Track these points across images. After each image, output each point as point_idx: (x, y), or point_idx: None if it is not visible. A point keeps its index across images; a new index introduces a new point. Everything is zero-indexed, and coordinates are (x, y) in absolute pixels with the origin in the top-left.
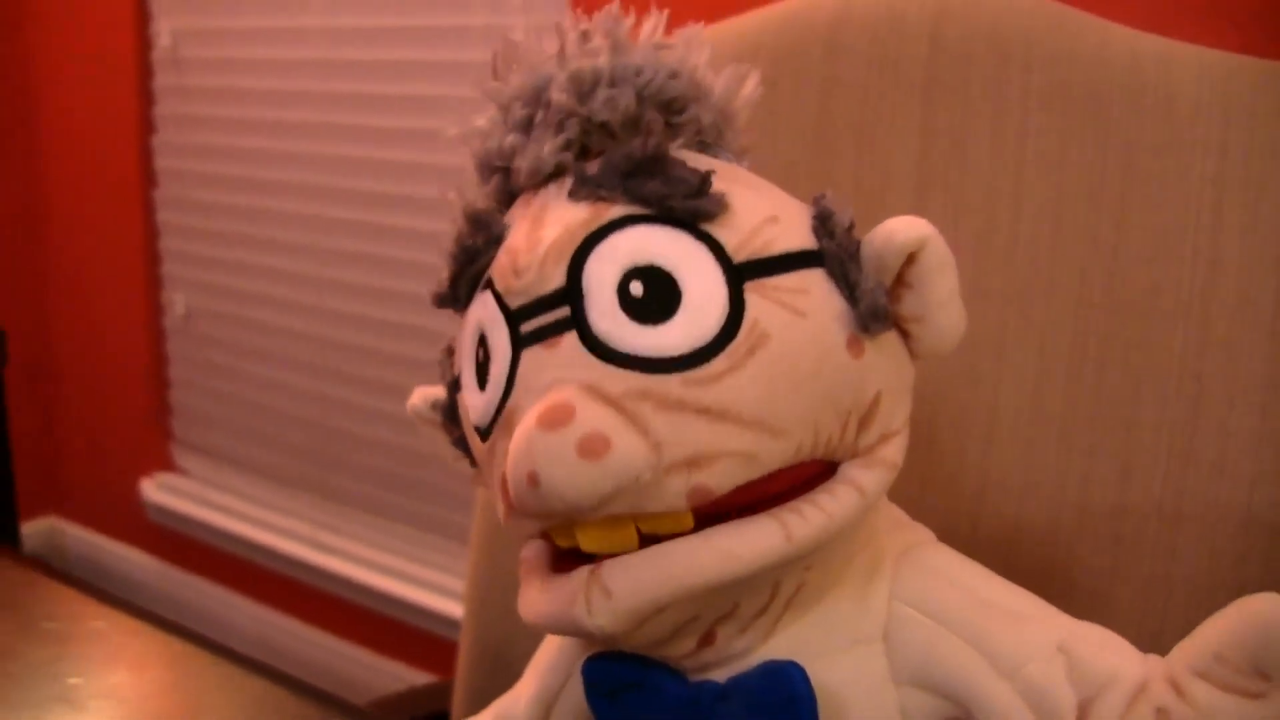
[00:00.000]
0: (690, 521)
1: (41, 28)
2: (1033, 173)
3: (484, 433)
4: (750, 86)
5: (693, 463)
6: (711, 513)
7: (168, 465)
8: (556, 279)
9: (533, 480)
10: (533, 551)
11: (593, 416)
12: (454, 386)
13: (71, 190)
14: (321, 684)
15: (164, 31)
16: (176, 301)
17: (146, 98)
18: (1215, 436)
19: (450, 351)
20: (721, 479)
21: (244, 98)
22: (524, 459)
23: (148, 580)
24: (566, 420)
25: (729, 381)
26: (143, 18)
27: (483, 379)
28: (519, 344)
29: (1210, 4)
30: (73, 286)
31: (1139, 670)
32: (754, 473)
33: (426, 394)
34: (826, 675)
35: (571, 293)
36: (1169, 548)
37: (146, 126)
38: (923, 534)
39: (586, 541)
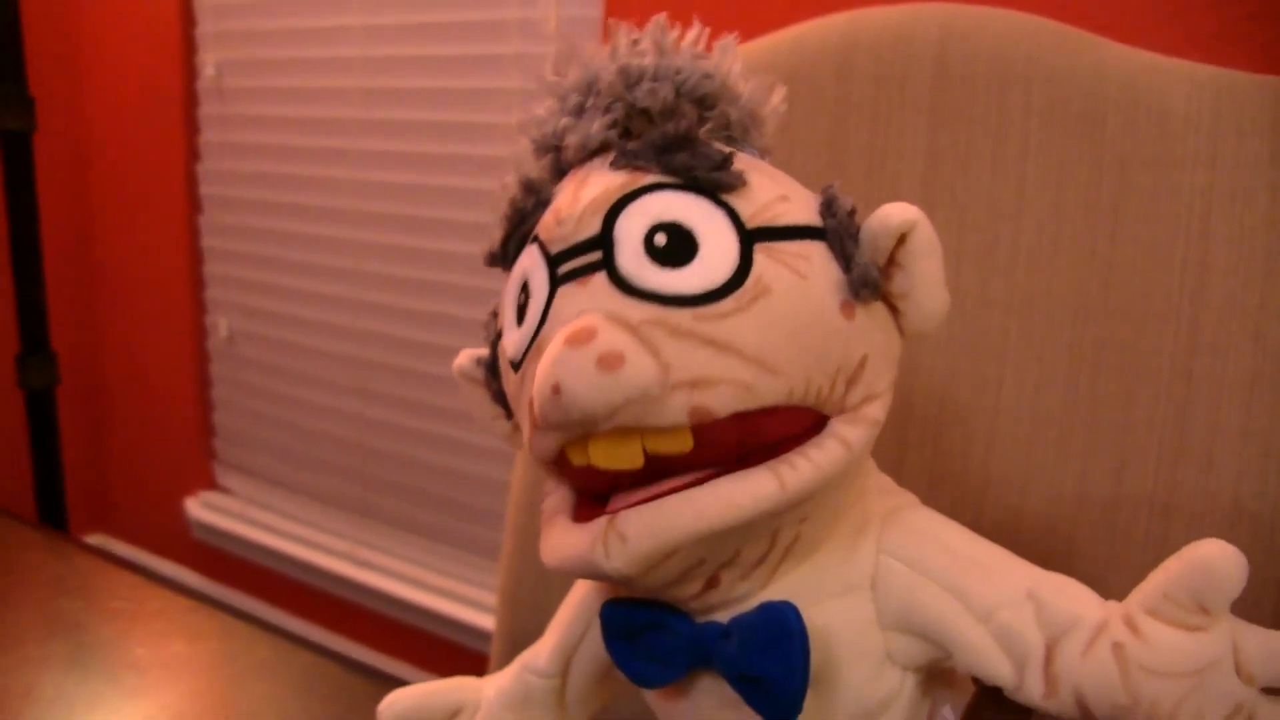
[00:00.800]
0: (690, 442)
1: (94, 61)
2: (1033, 187)
3: (517, 365)
4: (778, 97)
5: (695, 384)
6: (709, 438)
7: (211, 484)
8: (592, 228)
9: (556, 390)
10: (553, 503)
11: (611, 337)
12: (495, 344)
13: (121, 217)
14: None
15: (209, 63)
16: (220, 325)
17: (192, 126)
18: (1204, 433)
19: (494, 314)
20: (720, 402)
21: (285, 125)
22: (550, 371)
23: None
24: (589, 339)
25: (734, 320)
26: (189, 50)
27: (521, 317)
28: (555, 283)
29: (1201, 21)
30: (121, 310)
31: (1099, 613)
32: (750, 403)
33: (471, 354)
34: (819, 618)
35: (604, 240)
36: (1160, 537)
37: (192, 154)
38: (908, 498)
39: (597, 455)
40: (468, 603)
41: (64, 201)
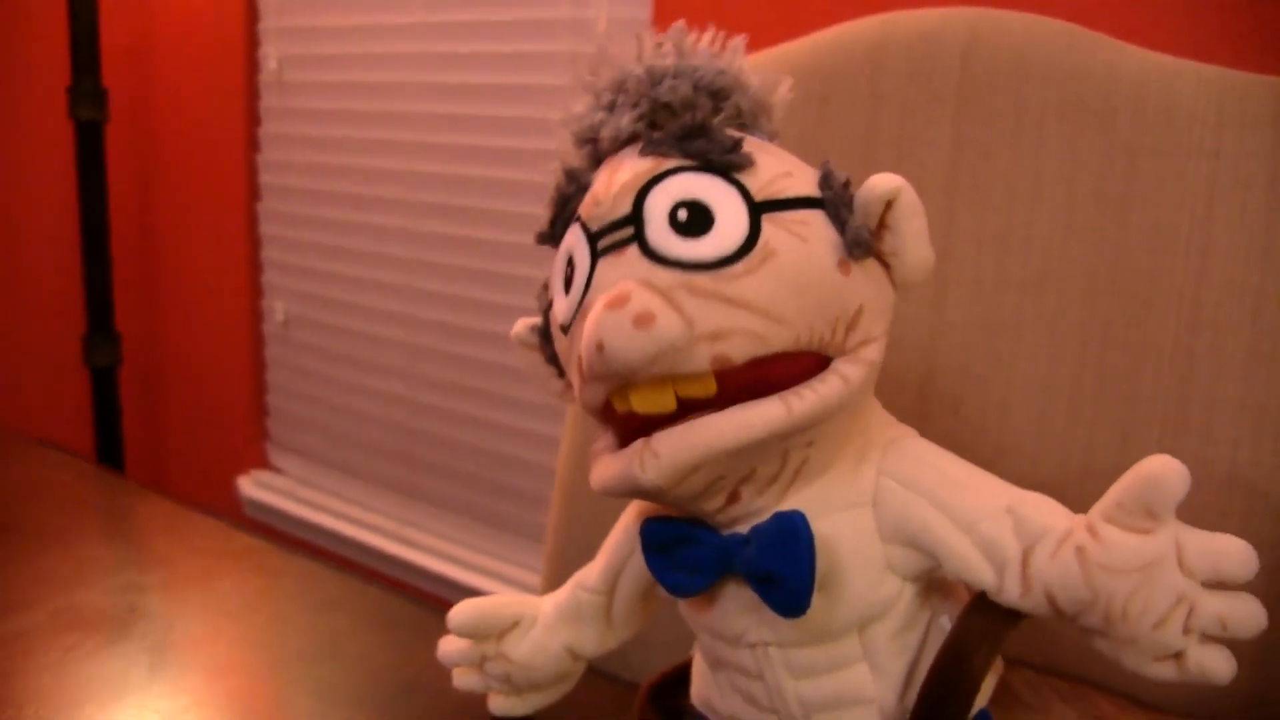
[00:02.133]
0: (714, 386)
1: (163, 55)
2: (1048, 176)
3: (566, 328)
4: (784, 89)
5: (715, 336)
6: (730, 382)
7: (263, 463)
8: (625, 207)
9: (600, 347)
10: (600, 446)
11: (644, 300)
12: (547, 312)
13: (183, 205)
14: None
15: (271, 57)
16: (276, 309)
17: (253, 118)
18: (1203, 405)
19: (545, 286)
20: (737, 350)
21: (342, 118)
22: (594, 332)
23: None
24: (625, 302)
25: (746, 280)
26: (252, 45)
27: (568, 287)
28: (595, 256)
29: (1208, 24)
30: (182, 294)
31: (1067, 523)
32: (762, 349)
33: (526, 322)
34: (826, 529)
35: (635, 217)
36: None
37: (252, 145)
38: (908, 430)
39: (637, 401)
40: (510, 582)
41: (130, 189)
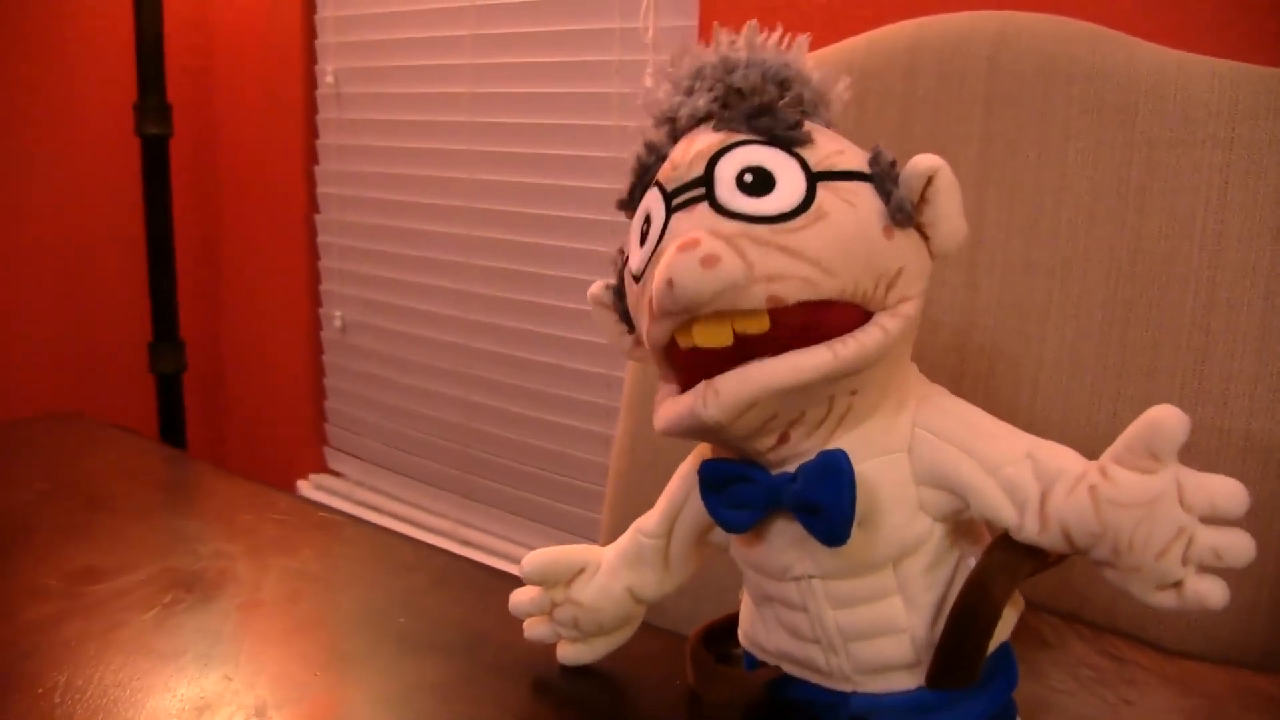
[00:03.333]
0: (768, 323)
1: (224, 71)
2: (1073, 169)
3: (639, 277)
4: (843, 85)
5: (772, 278)
6: (783, 321)
7: (322, 467)
8: (699, 170)
9: (670, 283)
10: (662, 394)
11: (711, 244)
12: (620, 275)
13: (245, 216)
14: None
15: (328, 72)
16: (334, 317)
17: (311, 131)
18: (1220, 379)
19: (620, 250)
20: (790, 291)
21: (397, 130)
22: (665, 270)
23: None
24: (694, 246)
25: (801, 234)
26: (310, 60)
27: (643, 240)
28: (670, 213)
29: (1222, 21)
30: (244, 302)
31: (1081, 466)
32: (812, 294)
33: (602, 283)
34: (867, 472)
35: (707, 179)
36: None
37: (311, 157)
38: (939, 388)
39: (699, 335)
40: None
41: (194, 201)
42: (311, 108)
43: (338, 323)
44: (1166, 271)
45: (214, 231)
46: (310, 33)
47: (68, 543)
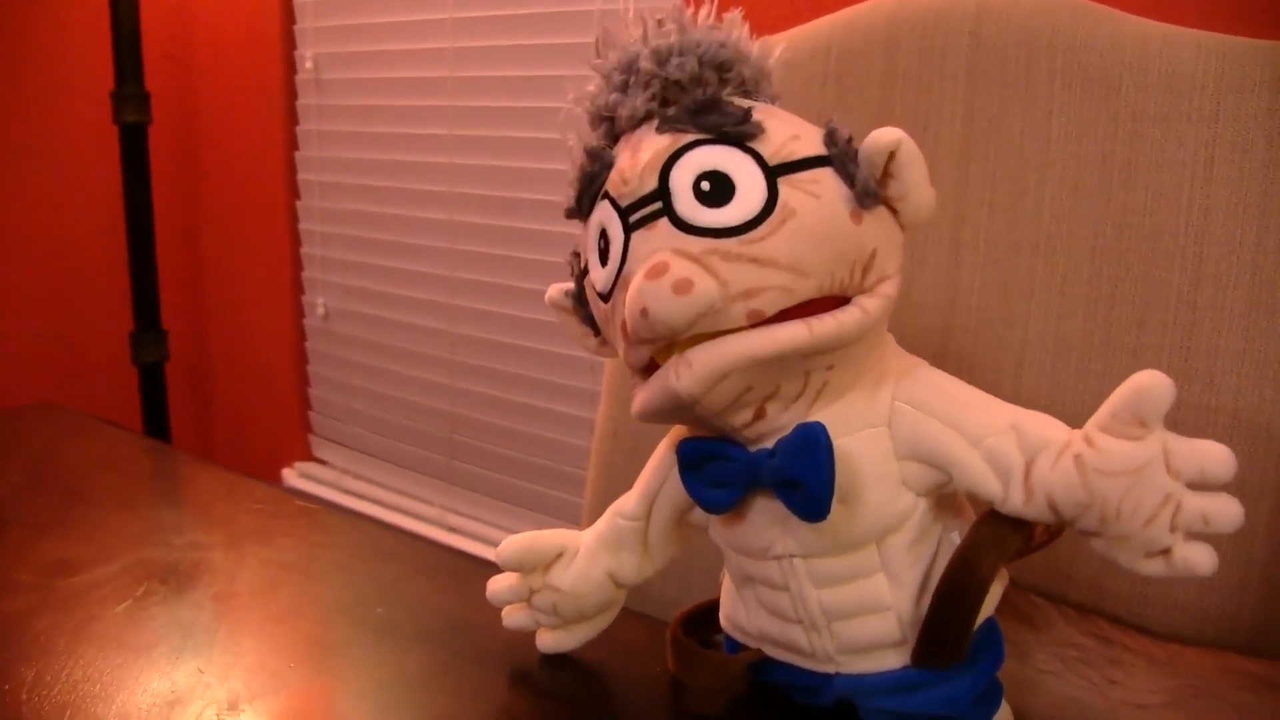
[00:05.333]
0: None
1: (203, 58)
2: (1057, 144)
3: (606, 297)
4: (779, 51)
5: (748, 294)
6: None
7: (307, 455)
8: (652, 183)
9: (644, 313)
10: (635, 381)
11: (681, 268)
12: (579, 278)
13: (226, 204)
14: None
15: (307, 57)
16: (317, 304)
17: (291, 117)
18: (1206, 356)
19: (575, 253)
20: (768, 304)
21: (378, 115)
22: (637, 299)
23: None
24: (664, 271)
25: (770, 241)
26: (289, 45)
27: (604, 259)
28: (629, 230)
29: None
30: (226, 291)
31: (1065, 435)
32: (790, 301)
33: (560, 287)
34: (846, 447)
35: (662, 192)
36: None
37: (291, 143)
38: (919, 360)
39: None
40: None
41: (174, 189)
42: (291, 94)
43: (321, 310)
44: (1152, 247)
45: (195, 219)
46: (289, 18)
47: (42, 536)
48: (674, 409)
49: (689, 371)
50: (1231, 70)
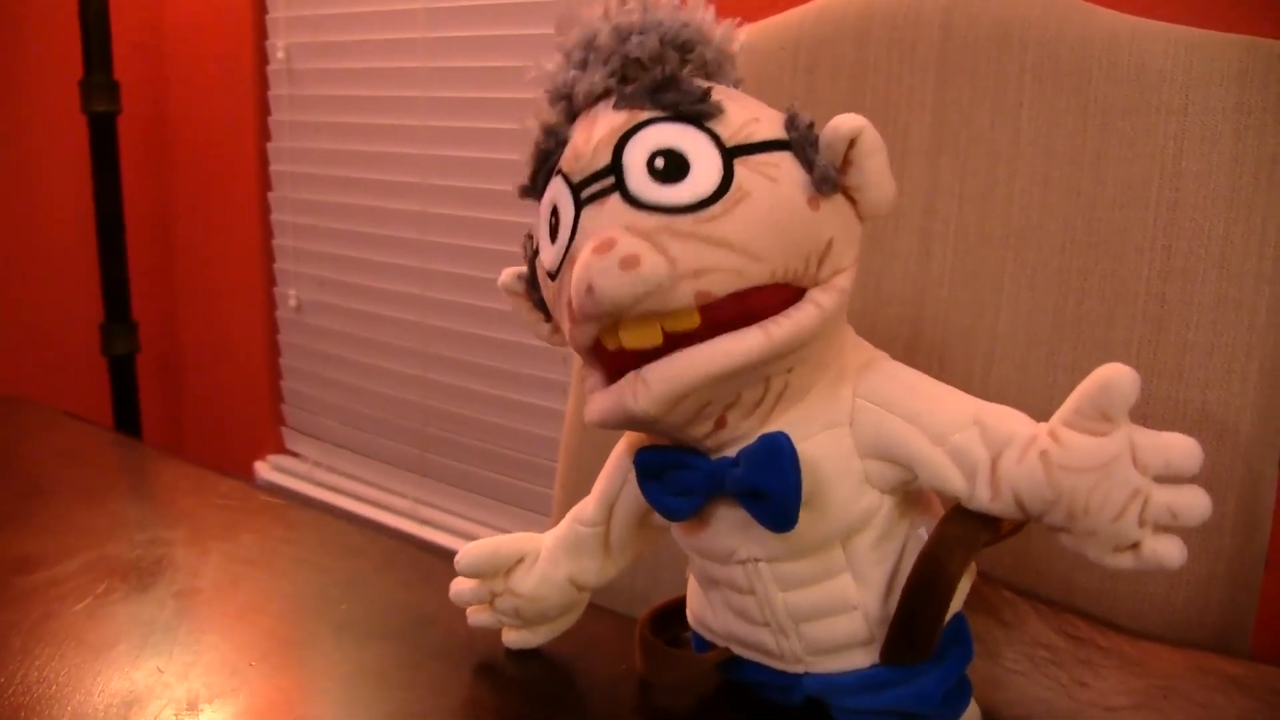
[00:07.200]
0: (698, 320)
1: (174, 47)
2: (1027, 137)
3: (554, 274)
4: (743, 35)
5: (698, 273)
6: (713, 315)
7: (280, 448)
8: (605, 159)
9: (589, 289)
10: (592, 384)
11: (629, 243)
12: (532, 262)
13: (197, 194)
14: None
15: (279, 47)
16: (289, 295)
17: (263, 107)
18: (1175, 350)
19: (530, 236)
20: (718, 285)
21: (350, 105)
22: (583, 275)
23: None
24: (611, 246)
25: (723, 221)
26: (261, 35)
27: (554, 235)
28: (579, 206)
29: None
30: (197, 282)
31: (1030, 430)
32: (741, 284)
33: (512, 271)
34: (809, 450)
35: (615, 168)
36: None
37: (263, 134)
38: (879, 353)
39: (626, 338)
40: None
41: (145, 180)
42: (263, 84)
43: (293, 302)
44: (1121, 240)
45: (166, 210)
46: (261, 7)
47: (1, 532)
48: (630, 425)
49: (647, 392)
50: (1200, 64)
